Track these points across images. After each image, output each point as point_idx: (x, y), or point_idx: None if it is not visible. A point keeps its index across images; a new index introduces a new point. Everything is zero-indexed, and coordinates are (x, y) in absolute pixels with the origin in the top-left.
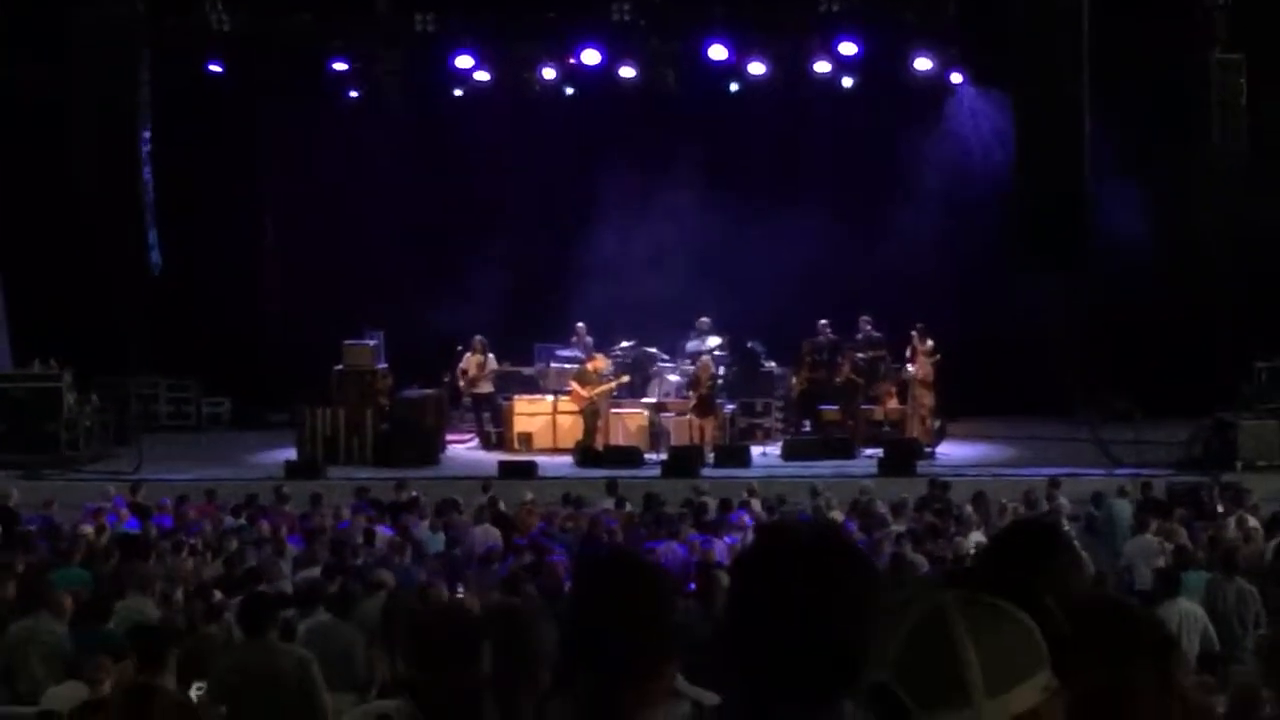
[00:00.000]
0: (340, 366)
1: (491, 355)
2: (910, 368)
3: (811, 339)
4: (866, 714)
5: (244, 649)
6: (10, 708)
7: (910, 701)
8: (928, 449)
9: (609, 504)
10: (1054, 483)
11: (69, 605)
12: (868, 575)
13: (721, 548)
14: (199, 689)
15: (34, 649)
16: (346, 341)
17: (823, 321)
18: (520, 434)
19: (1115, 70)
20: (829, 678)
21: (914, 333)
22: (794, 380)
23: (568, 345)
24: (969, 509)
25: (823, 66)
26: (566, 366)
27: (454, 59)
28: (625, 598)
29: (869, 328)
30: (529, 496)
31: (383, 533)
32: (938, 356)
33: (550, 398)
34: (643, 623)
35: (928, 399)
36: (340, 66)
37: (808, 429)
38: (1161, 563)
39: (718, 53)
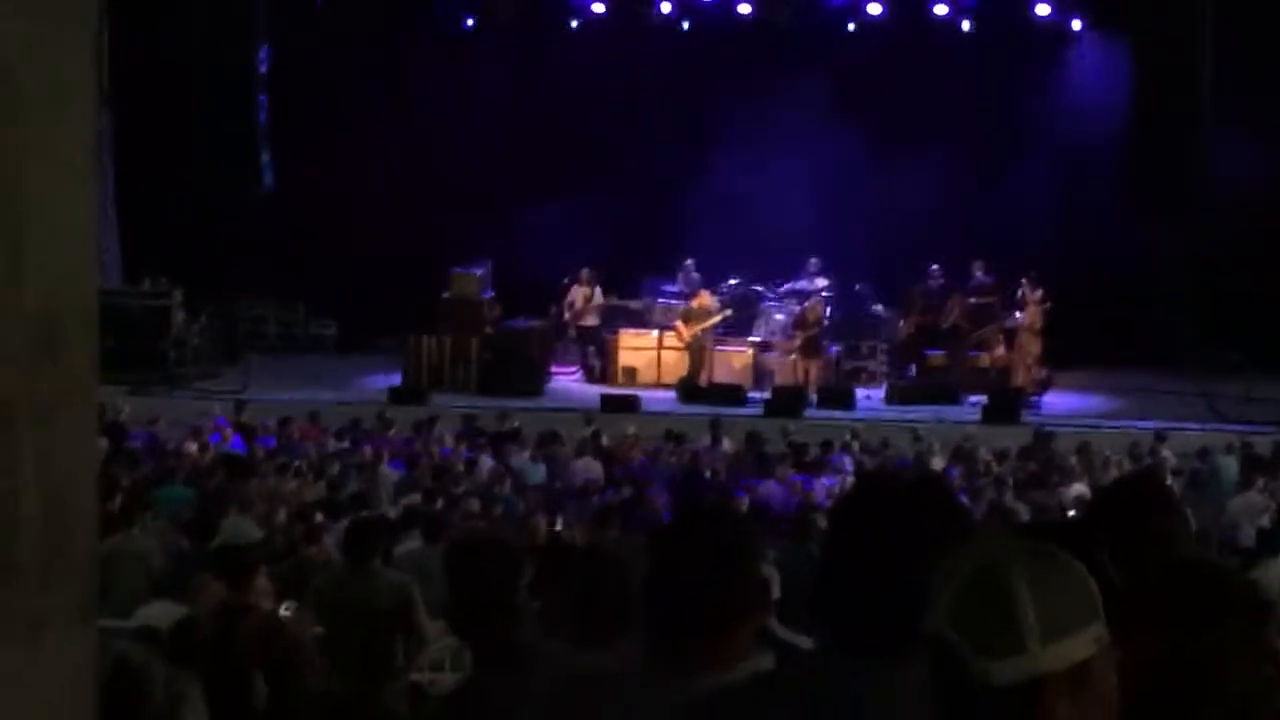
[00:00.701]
0: (447, 294)
1: (599, 288)
2: (1019, 315)
3: (922, 284)
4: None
5: (345, 572)
6: (112, 621)
7: (966, 648)
8: (1032, 398)
9: (706, 442)
10: (1159, 436)
11: (160, 522)
12: (966, 529)
13: (820, 489)
14: (288, 607)
15: (124, 564)
16: (454, 269)
17: (934, 266)
18: (625, 368)
19: (1239, 18)
20: (914, 631)
21: (1024, 280)
22: (902, 324)
23: (675, 281)
24: (1073, 459)
25: (941, 9)
26: (673, 303)
27: None
28: (708, 550)
29: (980, 273)
30: (631, 431)
31: (485, 462)
32: (1047, 305)
33: (655, 333)
34: (724, 575)
35: (1035, 347)
36: None
37: (912, 373)
38: (1265, 521)
39: None
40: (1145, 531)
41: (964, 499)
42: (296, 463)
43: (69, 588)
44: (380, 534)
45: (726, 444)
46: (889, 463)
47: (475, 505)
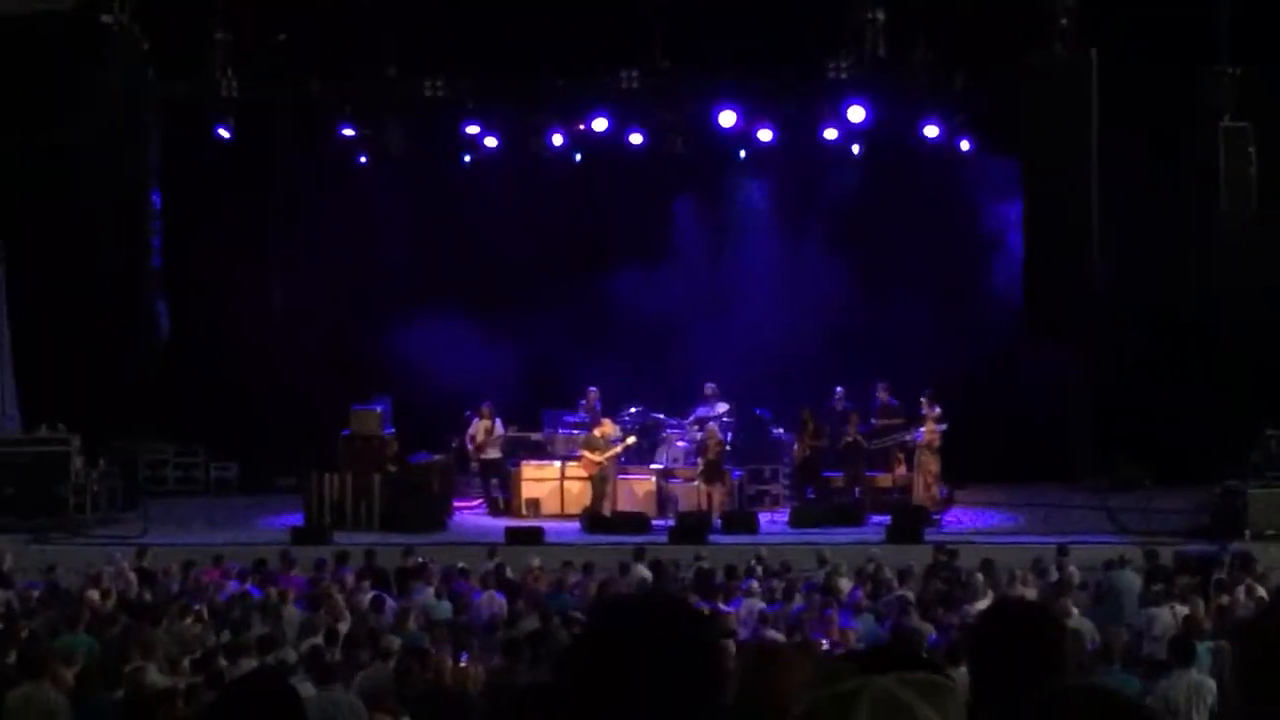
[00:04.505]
0: (348, 431)
1: (499, 421)
2: (919, 433)
3: (819, 406)
4: None
5: None
6: None
7: None
8: (934, 515)
9: (615, 570)
10: (1062, 550)
11: (70, 673)
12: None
13: (735, 615)
14: None
15: (30, 718)
16: (354, 407)
17: (839, 389)
18: (528, 500)
19: (1124, 138)
20: None
21: (922, 399)
22: (795, 448)
23: (575, 411)
24: (978, 576)
25: (831, 133)
26: (574, 433)
27: (463, 125)
28: (675, 648)
29: (885, 394)
30: (536, 562)
31: (389, 599)
32: (944, 425)
33: (558, 463)
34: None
35: (933, 465)
36: (348, 132)
37: (811, 495)
38: (1164, 631)
39: (727, 119)
40: (1026, 661)
41: (870, 619)
42: (198, 607)
43: None
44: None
45: (635, 571)
46: (793, 586)
47: (390, 641)
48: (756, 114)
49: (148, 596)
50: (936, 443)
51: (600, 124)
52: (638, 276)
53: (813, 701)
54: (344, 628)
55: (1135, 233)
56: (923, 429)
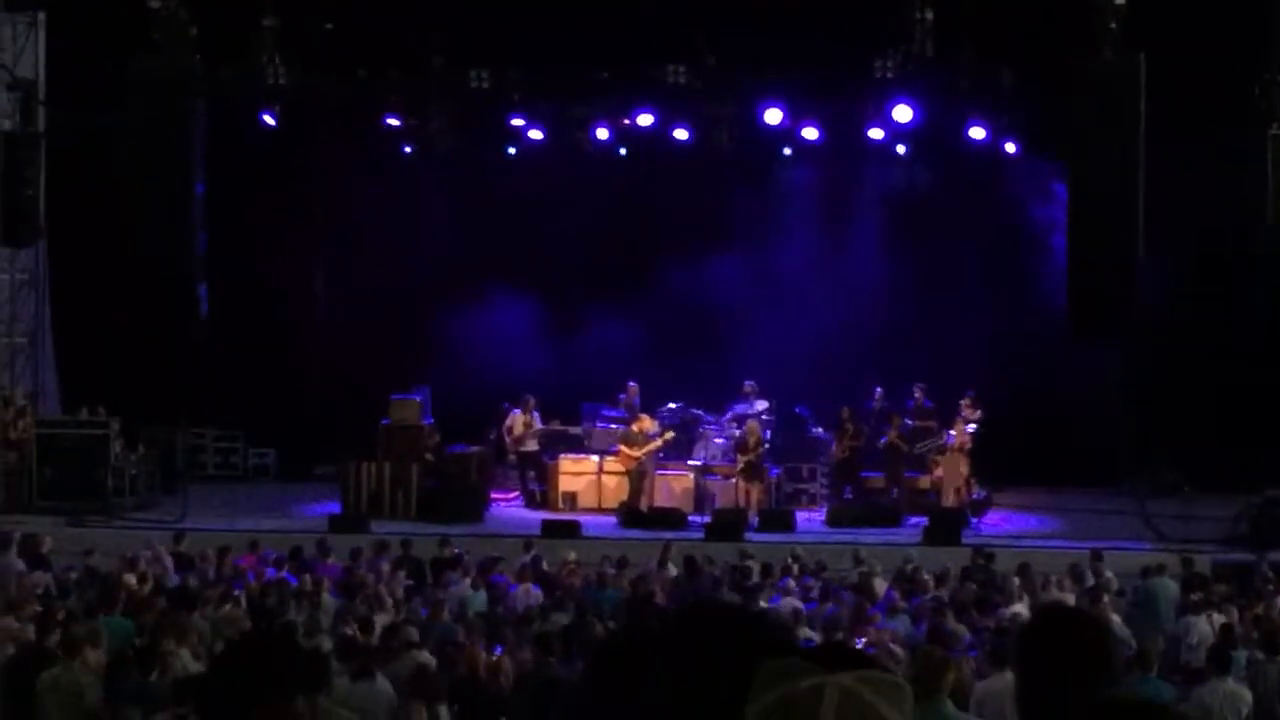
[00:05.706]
0: (386, 421)
1: (537, 414)
2: (951, 434)
3: (858, 406)
4: None
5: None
6: None
7: None
8: (971, 518)
9: (652, 566)
10: (1097, 555)
11: (96, 654)
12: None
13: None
14: None
15: (56, 698)
16: (394, 396)
17: (878, 389)
18: (565, 493)
19: (1171, 143)
20: None
21: (962, 401)
22: (834, 448)
23: (614, 405)
24: (1014, 580)
25: (876, 133)
26: (613, 427)
27: (508, 118)
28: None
29: (920, 396)
30: (572, 556)
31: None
32: (973, 426)
33: (595, 458)
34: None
35: (963, 466)
36: (394, 122)
37: (849, 495)
38: (1200, 639)
39: (772, 116)
40: (1073, 667)
41: (907, 620)
42: (236, 592)
43: None
44: (328, 666)
45: (670, 568)
46: (828, 586)
47: (412, 633)
48: (802, 111)
49: (192, 582)
50: (968, 445)
51: (646, 119)
52: (680, 272)
53: (775, 699)
54: (380, 618)
55: (1180, 238)
56: (953, 430)
